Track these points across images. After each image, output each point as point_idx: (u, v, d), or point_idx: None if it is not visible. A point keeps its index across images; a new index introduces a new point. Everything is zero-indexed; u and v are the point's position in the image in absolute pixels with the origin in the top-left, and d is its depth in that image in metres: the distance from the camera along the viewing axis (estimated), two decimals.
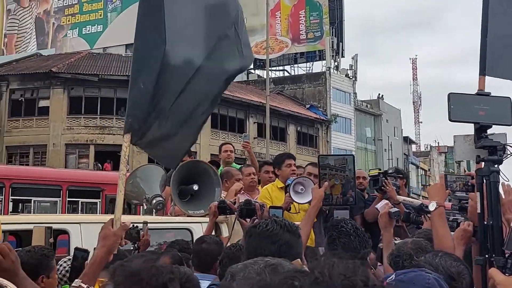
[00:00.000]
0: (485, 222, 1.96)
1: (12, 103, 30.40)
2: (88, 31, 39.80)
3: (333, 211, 3.56)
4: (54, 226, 5.06)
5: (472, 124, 2.17)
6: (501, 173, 2.04)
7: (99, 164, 29.26)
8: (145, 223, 4.30)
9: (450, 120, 2.11)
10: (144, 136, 2.73)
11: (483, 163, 2.08)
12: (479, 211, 2.03)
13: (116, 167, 28.98)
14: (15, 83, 30.45)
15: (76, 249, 3.40)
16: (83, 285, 2.12)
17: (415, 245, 2.77)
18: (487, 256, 1.91)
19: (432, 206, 2.91)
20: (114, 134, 29.23)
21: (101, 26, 39.42)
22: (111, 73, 30.01)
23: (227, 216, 4.80)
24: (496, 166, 2.03)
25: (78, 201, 15.69)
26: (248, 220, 3.91)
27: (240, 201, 4.15)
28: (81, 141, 29.44)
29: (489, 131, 2.20)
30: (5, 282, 1.67)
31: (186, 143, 3.06)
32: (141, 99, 2.68)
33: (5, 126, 30.04)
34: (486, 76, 2.19)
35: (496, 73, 2.33)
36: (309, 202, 4.28)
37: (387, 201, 3.64)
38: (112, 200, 15.03)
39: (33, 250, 3.32)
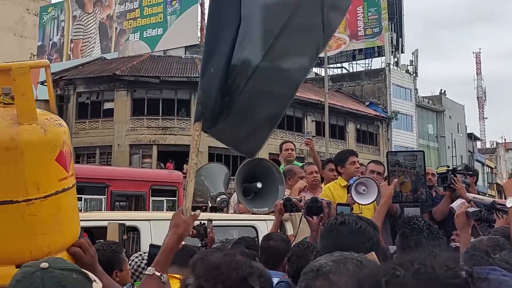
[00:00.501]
0: None
1: (79, 106, 31.53)
2: (149, 34, 40.67)
3: (403, 208, 3.48)
4: (125, 223, 5.23)
5: None
6: None
7: (162, 164, 29.92)
8: (210, 220, 4.36)
9: None
10: (216, 124, 2.67)
11: None
12: None
13: (178, 167, 29.55)
14: (81, 87, 31.56)
15: (151, 245, 3.50)
16: (156, 273, 2.15)
17: (492, 242, 2.66)
18: None
19: (509, 203, 2.78)
20: (176, 135, 29.80)
21: (161, 29, 40.19)
22: (171, 75, 30.55)
23: (292, 214, 4.80)
24: None
25: (81, 197, 14.35)
26: (314, 217, 3.89)
27: (305, 199, 4.14)
28: (144, 142, 30.11)
29: None
30: (92, 275, 1.74)
31: (264, 130, 2.94)
32: (211, 85, 2.61)
33: (72, 128, 31.18)
34: None
35: None
36: (372, 203, 4.21)
37: (463, 200, 3.50)
38: (118, 196, 14.76)
39: (102, 248, 3.42)
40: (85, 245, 2.13)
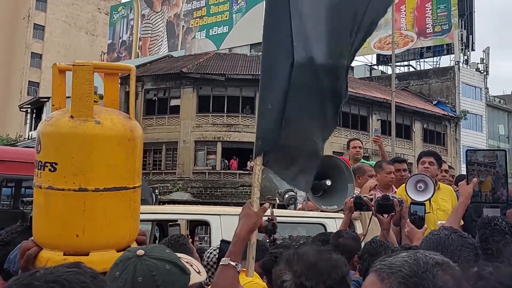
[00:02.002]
0: None
1: (146, 102, 32.31)
2: (215, 32, 41.22)
3: (483, 209, 3.38)
4: (196, 217, 5.37)
5: None
6: None
7: (226, 160, 30.27)
8: (271, 207, 4.36)
9: None
10: (274, 158, 2.69)
11: None
12: None
13: (241, 164, 29.84)
14: (149, 84, 32.33)
15: (223, 241, 3.57)
16: (231, 262, 2.19)
17: None
18: None
19: None
20: (240, 132, 30.05)
21: (227, 27, 40.65)
22: (237, 73, 30.77)
23: (361, 212, 4.76)
24: None
25: None
26: (385, 215, 3.84)
27: (376, 197, 4.10)
28: (209, 138, 30.45)
29: None
30: (196, 265, 1.79)
31: (312, 167, 2.94)
32: (269, 120, 2.62)
33: (140, 123, 31.69)
34: None
35: None
36: (429, 200, 4.11)
37: None
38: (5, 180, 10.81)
39: (171, 246, 3.45)
40: (146, 235, 2.29)
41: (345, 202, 4.35)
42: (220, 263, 2.25)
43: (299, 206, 5.92)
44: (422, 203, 3.63)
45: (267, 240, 4.29)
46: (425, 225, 3.52)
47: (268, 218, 4.32)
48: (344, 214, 5.21)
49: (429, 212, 4.21)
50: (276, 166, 2.78)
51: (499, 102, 44.95)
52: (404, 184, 5.01)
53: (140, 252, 1.66)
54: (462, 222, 4.11)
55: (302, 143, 2.79)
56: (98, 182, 1.99)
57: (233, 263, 2.19)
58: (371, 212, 4.02)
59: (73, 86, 2.04)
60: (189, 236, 4.48)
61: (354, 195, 4.81)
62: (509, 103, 45.91)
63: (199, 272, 1.78)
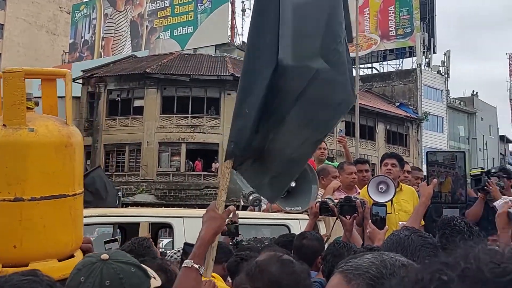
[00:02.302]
0: None
1: (109, 103, 31.89)
2: (179, 32, 40.96)
3: (442, 209, 3.44)
4: (158, 220, 5.31)
5: None
6: None
7: (190, 162, 30.12)
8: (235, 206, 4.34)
9: None
10: (245, 163, 2.66)
11: None
12: None
13: (206, 165, 29.74)
14: (112, 84, 31.94)
15: (186, 244, 3.54)
16: (195, 265, 2.18)
17: None
18: None
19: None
20: (205, 133, 29.96)
21: (192, 27, 40.44)
22: (201, 73, 30.65)
23: None
24: None
25: None
26: (348, 217, 3.88)
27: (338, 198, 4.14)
28: (173, 140, 30.28)
29: None
30: (151, 271, 1.78)
31: (288, 177, 2.85)
32: (245, 126, 2.56)
33: (103, 125, 31.62)
34: None
35: None
36: (390, 201, 4.18)
37: (507, 199, 3.45)
38: None
39: (135, 249, 3.44)
40: (92, 243, 2.28)
41: (310, 206, 4.38)
42: (183, 265, 2.23)
43: (264, 207, 5.92)
44: (383, 204, 3.68)
45: (230, 243, 4.28)
46: (387, 226, 3.57)
47: (231, 221, 4.32)
48: (308, 215, 5.26)
49: (391, 213, 4.27)
50: (246, 170, 2.74)
51: (460, 104, 46.05)
52: (367, 186, 5.08)
53: (105, 256, 1.67)
54: (423, 222, 4.19)
55: (278, 149, 2.70)
56: (34, 191, 1.95)
57: (197, 266, 2.18)
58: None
59: (4, 93, 1.99)
60: (151, 239, 4.43)
61: (319, 199, 4.85)
62: (469, 105, 47.08)
63: (154, 277, 1.78)
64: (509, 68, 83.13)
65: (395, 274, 1.32)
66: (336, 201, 4.18)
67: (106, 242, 3.50)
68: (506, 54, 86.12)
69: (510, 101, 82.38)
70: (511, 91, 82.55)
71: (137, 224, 4.84)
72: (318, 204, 4.21)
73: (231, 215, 2.58)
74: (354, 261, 1.51)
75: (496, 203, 3.38)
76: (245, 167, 2.70)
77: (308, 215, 5.23)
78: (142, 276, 1.69)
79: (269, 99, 2.55)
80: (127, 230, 5.45)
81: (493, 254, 0.87)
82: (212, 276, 3.14)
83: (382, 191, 4.07)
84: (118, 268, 1.64)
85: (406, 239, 2.11)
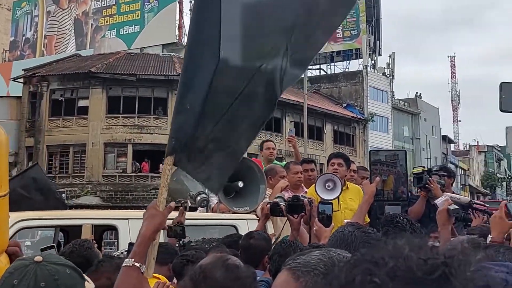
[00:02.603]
0: None
1: (52, 103, 31.06)
2: (126, 31, 40.32)
3: (385, 207, 3.53)
4: (103, 222, 5.21)
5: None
6: None
7: (137, 163, 29.70)
8: (184, 205, 4.31)
9: (501, 110, 2.03)
10: (187, 159, 2.65)
11: None
12: None
13: (153, 166, 29.39)
14: (55, 84, 31.12)
15: (131, 244, 3.49)
16: (136, 263, 2.14)
17: (472, 243, 2.70)
18: None
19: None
20: (152, 134, 29.63)
21: (138, 26, 39.88)
22: (148, 73, 30.31)
23: None
24: None
25: None
26: (295, 216, 3.91)
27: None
28: (120, 140, 29.81)
29: None
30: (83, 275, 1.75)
31: (229, 167, 2.90)
32: (185, 120, 2.58)
33: (46, 125, 30.75)
34: None
35: None
36: (337, 198, 4.28)
37: (447, 197, 3.56)
38: None
39: (76, 250, 3.43)
40: (20, 246, 2.23)
41: (261, 208, 4.40)
42: (123, 264, 2.18)
43: (214, 204, 5.90)
44: (329, 203, 3.73)
45: (176, 245, 4.24)
46: (333, 224, 3.62)
47: (178, 222, 4.28)
48: (255, 215, 5.28)
49: (338, 211, 4.34)
50: (188, 166, 2.72)
51: (404, 105, 47.35)
52: (314, 184, 5.15)
53: (38, 258, 1.64)
54: (368, 220, 4.28)
55: (219, 144, 2.73)
56: None
57: (137, 264, 2.14)
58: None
59: None
60: (95, 242, 4.35)
61: (267, 199, 4.88)
62: (412, 106, 48.48)
63: (88, 281, 1.75)
64: (451, 70, 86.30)
65: None
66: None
67: (42, 250, 3.40)
68: (448, 56, 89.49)
69: (452, 102, 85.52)
70: (453, 92, 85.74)
71: (80, 226, 4.73)
72: (269, 205, 4.22)
73: (172, 215, 2.55)
74: (302, 258, 1.53)
75: (437, 201, 3.49)
76: (187, 162, 2.69)
77: (256, 215, 5.26)
78: (77, 277, 1.67)
79: (210, 96, 2.55)
80: (70, 233, 5.32)
81: (419, 250, 0.86)
82: (158, 278, 3.10)
83: (329, 188, 4.13)
84: (53, 270, 1.62)
85: (350, 235, 2.15)
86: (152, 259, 2.37)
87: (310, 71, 45.21)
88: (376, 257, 0.88)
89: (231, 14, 2.61)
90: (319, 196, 4.12)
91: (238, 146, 2.80)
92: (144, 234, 2.25)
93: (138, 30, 39.71)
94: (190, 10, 43.19)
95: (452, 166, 54.31)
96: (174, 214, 4.02)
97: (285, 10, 2.71)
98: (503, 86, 2.01)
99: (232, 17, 2.61)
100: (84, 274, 1.77)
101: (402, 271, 0.84)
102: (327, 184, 4.17)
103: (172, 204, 2.48)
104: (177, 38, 38.57)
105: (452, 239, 3.25)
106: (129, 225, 4.74)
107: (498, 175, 70.35)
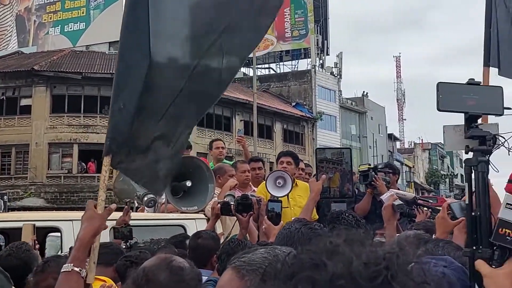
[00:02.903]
0: (473, 213, 1.95)
1: None
2: (71, 28, 39.41)
3: (331, 204, 3.57)
4: (46, 224, 5.05)
5: (462, 115, 2.14)
6: (490, 163, 2.03)
7: (83, 163, 29.08)
8: (129, 204, 4.26)
9: (438, 109, 2.08)
10: (124, 160, 2.66)
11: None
12: (467, 202, 2.01)
13: (100, 167, 28.73)
14: None
15: (71, 248, 3.40)
16: (75, 268, 2.10)
17: (418, 238, 2.76)
18: (474, 247, 1.87)
19: None
20: (98, 133, 29.05)
21: (84, 23, 39.05)
22: (94, 71, 29.83)
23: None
24: (485, 156, 2.01)
25: None
26: (244, 214, 3.91)
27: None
28: (65, 140, 29.21)
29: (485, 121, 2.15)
30: None
31: (171, 166, 2.92)
32: (120, 120, 2.59)
33: None
34: (490, 68, 2.17)
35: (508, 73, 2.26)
36: (287, 195, 4.33)
37: (393, 193, 3.63)
38: None
39: (13, 253, 3.35)
40: None
41: (212, 207, 4.38)
42: (62, 270, 2.13)
43: (162, 201, 5.82)
44: (279, 200, 3.76)
45: (123, 246, 4.17)
46: (282, 222, 3.64)
47: (124, 223, 4.21)
48: (204, 214, 5.25)
49: (287, 207, 4.37)
50: (128, 166, 2.72)
51: (351, 104, 48.25)
52: (265, 181, 5.17)
53: None
54: (317, 217, 4.33)
55: (164, 140, 2.76)
56: None
57: (77, 269, 2.09)
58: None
59: None
60: (37, 243, 4.23)
61: (216, 198, 4.86)
62: (359, 104, 49.45)
63: (13, 286, 1.71)
64: (396, 69, 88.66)
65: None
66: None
67: None
68: (393, 56, 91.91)
69: (397, 101, 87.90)
70: (398, 91, 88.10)
71: (21, 228, 4.57)
72: (219, 204, 4.20)
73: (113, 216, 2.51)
74: (247, 257, 1.54)
75: (383, 197, 3.56)
76: (126, 165, 2.67)
77: (204, 214, 5.23)
78: (4, 279, 1.62)
79: (148, 94, 2.58)
80: (10, 235, 5.14)
81: (360, 251, 0.85)
82: (103, 280, 3.03)
83: (279, 185, 4.15)
84: None
85: (296, 232, 2.16)
86: (93, 263, 2.31)
87: (260, 70, 45.46)
88: (316, 258, 0.86)
89: (163, 15, 2.68)
90: (270, 193, 4.14)
91: (179, 144, 2.83)
92: (82, 238, 2.20)
93: (84, 27, 38.89)
94: None
95: (397, 164, 55.77)
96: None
97: (218, 11, 2.78)
98: (440, 86, 2.06)
99: (164, 17, 2.68)
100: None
101: (343, 278, 0.82)
102: (277, 181, 4.19)
103: (113, 206, 2.44)
104: None
105: (398, 234, 3.32)
106: (73, 227, 4.61)
107: (442, 172, 72.72)
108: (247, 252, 1.64)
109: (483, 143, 2.01)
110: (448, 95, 2.05)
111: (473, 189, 1.94)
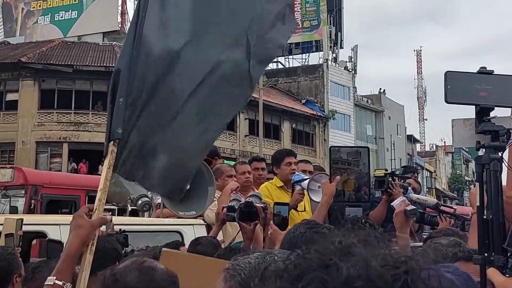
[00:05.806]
0: (484, 217, 1.91)
1: None
2: (62, 17, 39.60)
3: (345, 208, 3.53)
4: (31, 228, 5.05)
5: (473, 108, 2.09)
6: (503, 161, 1.98)
7: (74, 164, 29.18)
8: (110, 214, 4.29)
9: (446, 101, 2.03)
10: (126, 160, 2.70)
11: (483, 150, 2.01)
12: (478, 204, 1.96)
13: (92, 167, 28.94)
14: None
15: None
16: (58, 282, 2.09)
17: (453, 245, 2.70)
18: (486, 254, 1.84)
19: None
20: (90, 131, 29.21)
21: (76, 12, 39.22)
22: (87, 64, 29.95)
23: None
24: (498, 153, 1.95)
25: None
26: (249, 223, 3.87)
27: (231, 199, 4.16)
28: (54, 139, 29.34)
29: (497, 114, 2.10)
30: None
31: (183, 169, 3.03)
32: (119, 117, 2.72)
33: None
34: None
35: None
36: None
37: (404, 198, 3.58)
38: None
39: None
40: None
41: (217, 212, 4.35)
42: (45, 283, 2.13)
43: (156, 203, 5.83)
44: (286, 204, 3.72)
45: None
46: (289, 227, 3.61)
47: (120, 230, 4.22)
48: (202, 220, 5.23)
49: (304, 211, 4.37)
50: (131, 170, 2.74)
51: (367, 102, 48.19)
52: (268, 184, 5.14)
53: None
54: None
55: (167, 147, 2.83)
56: None
57: (60, 283, 2.09)
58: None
59: None
60: (18, 249, 4.26)
61: (215, 202, 4.83)
62: (376, 103, 49.35)
63: None
64: (417, 65, 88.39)
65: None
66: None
67: None
68: (414, 51, 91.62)
69: (418, 99, 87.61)
70: (419, 89, 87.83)
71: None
72: (225, 210, 4.17)
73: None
74: (238, 260, 1.64)
75: (394, 203, 3.51)
76: (128, 165, 2.70)
77: (203, 220, 5.21)
78: None
79: (152, 97, 2.69)
80: None
81: (376, 255, 0.86)
82: None
83: (319, 189, 4.12)
84: None
85: (300, 237, 2.14)
86: (83, 278, 2.27)
87: None
88: (326, 259, 0.86)
89: (180, 9, 2.78)
90: (311, 198, 4.10)
91: (198, 143, 2.97)
92: (68, 249, 2.21)
93: (76, 16, 39.05)
94: None
95: (417, 168, 55.66)
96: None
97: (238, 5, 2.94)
98: (448, 75, 2.02)
99: (181, 12, 2.78)
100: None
101: (360, 280, 0.83)
102: (318, 185, 4.14)
103: (108, 216, 2.44)
104: (120, 25, 38.06)
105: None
106: (60, 232, 4.62)
107: (466, 177, 72.13)
108: (242, 255, 1.73)
109: (496, 138, 1.97)
110: (457, 86, 2.01)
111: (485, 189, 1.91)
